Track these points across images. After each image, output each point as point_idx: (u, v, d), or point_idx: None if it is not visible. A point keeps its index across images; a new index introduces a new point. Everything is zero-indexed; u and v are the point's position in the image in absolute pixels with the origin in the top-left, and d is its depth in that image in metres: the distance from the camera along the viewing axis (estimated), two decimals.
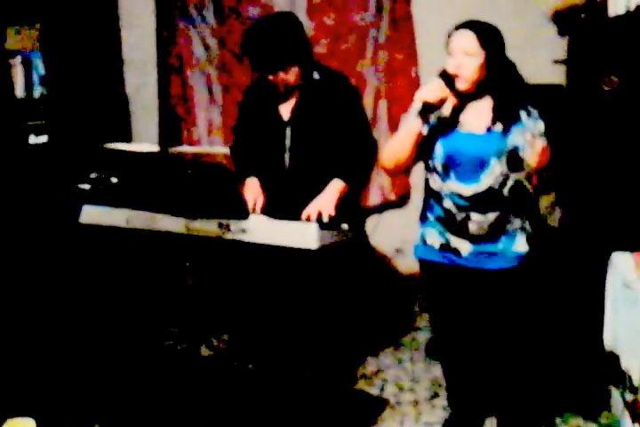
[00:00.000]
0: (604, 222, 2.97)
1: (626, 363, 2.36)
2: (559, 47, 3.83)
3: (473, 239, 2.27)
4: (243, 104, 2.90)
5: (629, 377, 2.33)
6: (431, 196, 2.33)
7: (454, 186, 2.23)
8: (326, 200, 2.57)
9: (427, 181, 2.35)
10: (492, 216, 2.23)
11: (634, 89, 2.92)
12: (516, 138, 2.16)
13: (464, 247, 2.28)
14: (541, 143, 2.09)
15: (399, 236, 4.35)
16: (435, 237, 2.34)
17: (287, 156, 2.68)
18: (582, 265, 2.87)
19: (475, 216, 2.23)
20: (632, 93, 2.94)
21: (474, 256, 2.28)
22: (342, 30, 4.20)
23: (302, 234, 2.36)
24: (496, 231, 2.25)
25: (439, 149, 2.24)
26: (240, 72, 4.32)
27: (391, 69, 4.23)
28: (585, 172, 3.04)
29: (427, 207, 2.37)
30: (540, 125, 2.22)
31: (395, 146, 2.26)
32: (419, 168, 4.16)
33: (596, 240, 2.92)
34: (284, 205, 2.63)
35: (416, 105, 2.17)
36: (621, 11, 3.05)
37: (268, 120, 2.72)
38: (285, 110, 2.70)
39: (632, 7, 2.99)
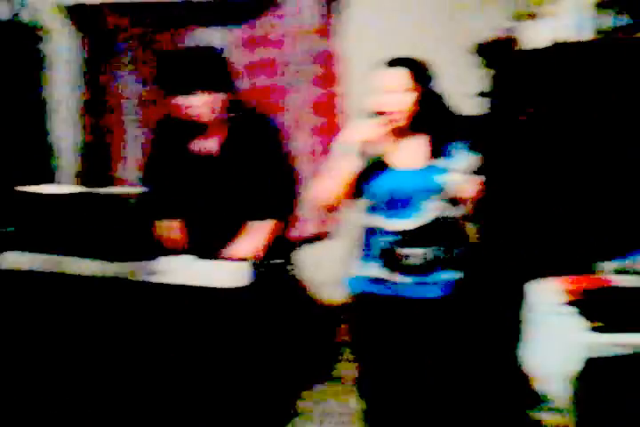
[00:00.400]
0: (523, 248, 3.03)
1: (544, 386, 2.36)
2: (482, 80, 3.93)
3: (411, 271, 2.26)
4: (156, 138, 2.81)
5: (551, 400, 2.33)
6: (370, 232, 2.31)
7: (392, 222, 2.22)
8: (255, 239, 2.55)
9: (363, 217, 2.33)
10: (430, 249, 2.23)
11: (550, 121, 3.03)
12: (452, 173, 2.17)
13: (402, 280, 2.27)
14: (477, 178, 2.11)
15: (328, 268, 4.33)
16: (372, 270, 2.31)
17: (209, 192, 2.62)
18: (504, 291, 2.89)
19: (413, 251, 2.22)
20: (548, 125, 3.04)
21: (411, 287, 2.27)
22: (272, 66, 4.21)
23: (231, 272, 2.33)
24: (433, 262, 2.26)
25: (375, 187, 2.23)
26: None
27: (321, 105, 4.25)
28: (504, 199, 3.10)
29: (364, 242, 2.35)
30: (474, 159, 2.24)
31: (330, 185, 2.24)
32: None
33: (514, 267, 2.97)
34: (208, 244, 2.57)
35: (351, 145, 2.17)
36: (539, 45, 3.17)
37: (188, 156, 2.65)
38: (207, 145, 2.64)
39: (548, 43, 3.11)
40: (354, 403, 3.20)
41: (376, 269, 2.30)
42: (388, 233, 2.23)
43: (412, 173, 2.21)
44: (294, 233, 4.24)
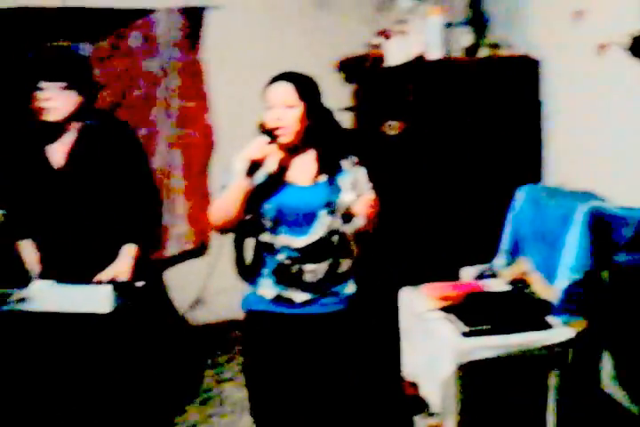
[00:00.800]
0: (393, 257, 3.14)
1: (425, 391, 2.45)
2: (345, 95, 4.05)
3: (307, 288, 2.25)
4: (4, 148, 2.60)
5: (429, 404, 2.42)
6: (263, 249, 2.28)
7: (286, 239, 2.21)
8: (120, 267, 2.47)
9: (257, 235, 2.29)
10: (324, 264, 2.24)
11: (416, 133, 3.16)
12: (343, 188, 2.20)
13: (299, 296, 2.26)
14: (369, 195, 2.14)
15: (199, 285, 4.28)
16: (268, 289, 2.28)
17: (62, 210, 2.48)
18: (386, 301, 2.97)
19: (308, 267, 2.22)
20: (414, 137, 3.17)
21: (307, 303, 2.27)
22: (132, 77, 4.10)
23: (94, 298, 2.23)
24: (330, 277, 2.26)
25: (268, 204, 2.21)
26: None
27: (184, 117, 4.19)
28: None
29: (259, 261, 2.32)
30: (363, 172, 2.28)
31: (223, 205, 2.19)
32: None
33: (389, 276, 3.07)
34: (66, 266, 2.45)
35: (242, 164, 2.13)
36: (398, 61, 3.31)
37: (37, 168, 2.49)
38: (58, 159, 2.49)
39: (407, 59, 3.26)
40: (222, 423, 3.21)
41: (271, 287, 2.28)
42: (281, 250, 2.22)
43: (304, 188, 2.22)
44: (167, 251, 4.22)
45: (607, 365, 2.65)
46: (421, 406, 2.70)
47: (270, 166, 2.19)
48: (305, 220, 2.20)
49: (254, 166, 2.13)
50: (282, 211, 2.20)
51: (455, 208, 3.21)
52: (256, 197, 2.20)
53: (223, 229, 2.28)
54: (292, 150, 2.23)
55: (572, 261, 2.19)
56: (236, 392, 3.52)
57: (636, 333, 2.44)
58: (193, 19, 4.11)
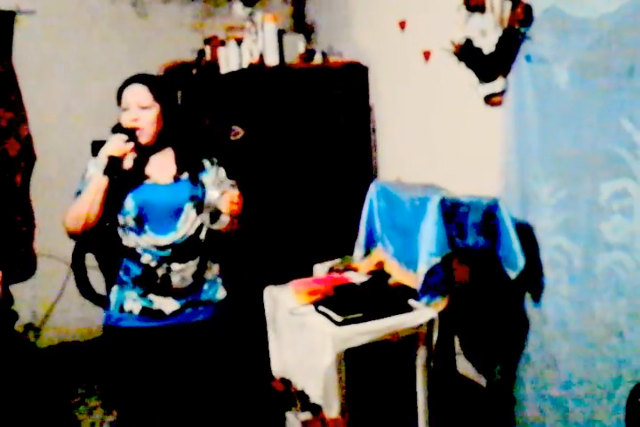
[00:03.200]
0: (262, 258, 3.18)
1: (301, 384, 2.51)
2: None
3: (177, 295, 2.21)
4: None
5: (306, 397, 2.48)
6: (125, 255, 2.20)
7: (151, 239, 2.16)
8: None
9: (117, 241, 2.21)
10: (192, 264, 2.22)
11: (257, 137, 3.23)
12: (208, 185, 2.21)
13: (168, 306, 2.21)
14: (234, 192, 2.14)
15: (29, 309, 3.99)
16: (134, 302, 2.21)
17: None
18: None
19: (176, 266, 2.18)
20: (256, 141, 3.24)
21: (179, 313, 2.22)
22: None
23: None
24: (198, 281, 2.24)
25: (129, 204, 2.15)
26: None
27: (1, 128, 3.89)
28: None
29: (120, 270, 2.23)
30: (222, 172, 2.30)
31: (81, 207, 2.09)
32: (44, 233, 3.93)
33: (252, 277, 3.10)
34: None
35: (101, 162, 2.07)
36: (234, 68, 3.35)
37: None
38: None
39: (243, 65, 3.32)
40: None
41: (136, 300, 2.21)
42: (146, 251, 2.17)
43: (166, 186, 2.19)
44: None
45: (457, 342, 2.92)
46: (293, 401, 2.76)
47: (127, 164, 2.15)
48: (170, 217, 2.18)
49: (113, 164, 2.09)
50: (144, 209, 2.16)
51: (302, 208, 3.33)
52: (115, 197, 2.15)
53: (80, 235, 2.17)
54: (150, 150, 2.21)
55: (429, 247, 2.38)
56: (87, 416, 3.35)
57: (479, 308, 2.72)
58: (1, 23, 3.83)
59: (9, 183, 3.88)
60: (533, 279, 2.51)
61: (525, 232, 2.49)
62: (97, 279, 3.53)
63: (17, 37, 3.86)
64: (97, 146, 2.14)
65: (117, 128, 2.14)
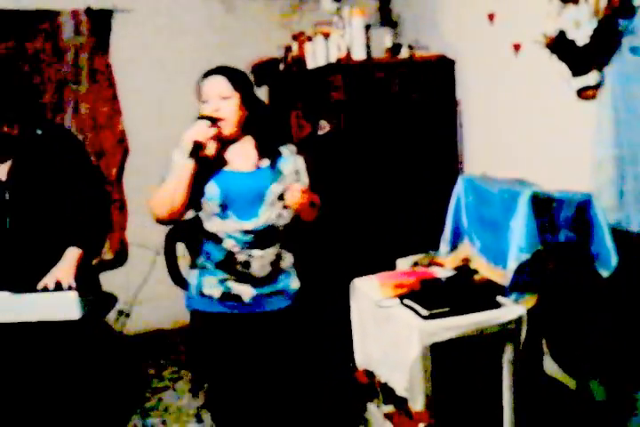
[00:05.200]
0: (344, 251, 3.21)
1: (385, 377, 2.53)
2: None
3: (255, 283, 2.28)
4: None
5: (390, 389, 2.50)
6: (208, 240, 2.28)
7: (235, 224, 2.23)
8: (64, 269, 2.37)
9: (200, 226, 2.29)
10: (271, 251, 2.28)
11: (344, 131, 3.26)
12: (285, 173, 2.27)
13: (246, 292, 2.28)
14: (298, 186, 2.19)
15: (122, 297, 4.15)
16: (214, 287, 2.29)
17: (8, 219, 2.39)
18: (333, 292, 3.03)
19: (256, 252, 2.24)
20: (343, 135, 3.26)
21: (256, 300, 2.29)
22: (38, 82, 3.91)
23: (61, 305, 2.15)
24: (275, 270, 2.30)
25: (214, 190, 2.22)
26: None
27: (96, 123, 4.06)
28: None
29: (202, 255, 2.32)
30: (302, 161, 2.36)
31: (168, 193, 2.18)
32: (136, 223, 4.09)
33: (337, 269, 3.14)
34: (12, 274, 2.34)
35: (185, 146, 2.15)
36: (321, 63, 3.39)
37: None
38: (2, 169, 2.41)
39: (330, 60, 3.35)
40: None
41: (216, 286, 2.29)
42: (229, 236, 2.24)
43: (247, 173, 2.26)
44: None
45: (544, 341, 2.86)
46: (375, 393, 2.78)
47: (209, 151, 2.23)
48: (252, 203, 2.24)
49: (197, 148, 2.16)
50: (228, 195, 2.23)
51: (387, 202, 3.34)
52: (199, 183, 2.21)
53: (167, 220, 2.27)
54: (233, 137, 2.28)
55: (520, 243, 2.35)
56: (174, 401, 3.47)
57: (572, 308, 2.66)
58: (100, 21, 4.00)
59: (105, 175, 4.05)
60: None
61: (621, 231, 2.41)
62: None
63: (114, 34, 4.02)
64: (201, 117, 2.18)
65: (201, 117, 2.20)
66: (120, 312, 4.18)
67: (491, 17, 3.16)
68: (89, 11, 3.93)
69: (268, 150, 2.29)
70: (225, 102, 2.21)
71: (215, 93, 2.21)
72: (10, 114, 2.32)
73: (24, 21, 3.79)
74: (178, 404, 3.43)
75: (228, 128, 2.22)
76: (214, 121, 2.17)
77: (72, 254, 2.43)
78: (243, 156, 2.29)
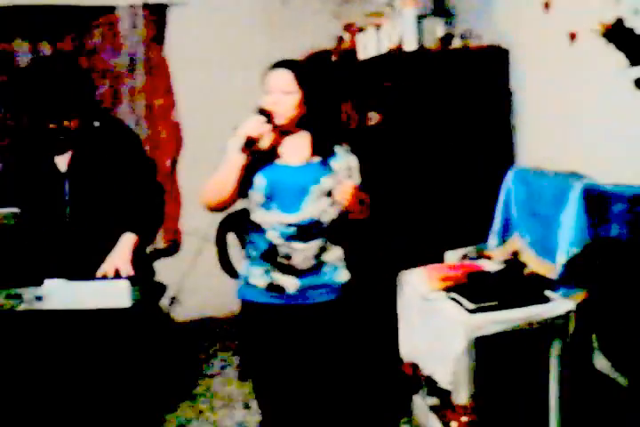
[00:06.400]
0: (392, 243, 3.20)
1: (430, 369, 2.52)
2: None
3: (299, 274, 2.29)
4: (11, 155, 2.59)
5: (434, 382, 2.49)
6: (253, 230, 2.32)
7: (278, 216, 2.25)
8: (121, 256, 2.43)
9: (247, 216, 2.33)
10: (314, 245, 2.28)
11: (395, 122, 3.24)
12: (332, 171, 2.27)
13: (291, 284, 2.30)
14: (349, 182, 2.19)
15: (173, 284, 4.24)
16: (259, 277, 2.32)
17: (68, 209, 2.46)
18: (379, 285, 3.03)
19: (298, 245, 2.26)
20: (394, 126, 3.24)
21: (300, 292, 2.30)
22: (95, 75, 4.03)
23: (112, 293, 2.20)
24: (320, 262, 2.31)
25: (261, 181, 2.25)
26: None
27: (151, 115, 4.15)
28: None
29: (248, 244, 2.36)
30: (355, 160, 2.35)
31: (218, 183, 2.23)
32: (189, 212, 4.17)
33: (384, 261, 3.13)
34: (71, 263, 2.40)
35: (238, 140, 2.18)
36: (373, 54, 3.37)
37: (44, 172, 2.48)
38: (62, 161, 2.48)
39: (382, 51, 3.33)
40: (218, 420, 3.21)
41: (261, 276, 2.31)
42: (272, 228, 2.26)
43: (297, 167, 2.28)
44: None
45: (595, 338, 2.79)
46: (420, 385, 2.78)
47: (263, 145, 2.25)
48: (297, 197, 2.25)
49: (250, 143, 2.18)
50: (274, 188, 2.25)
51: (435, 194, 3.30)
52: (248, 175, 2.24)
53: (216, 209, 2.32)
54: (288, 132, 2.29)
55: (570, 237, 2.30)
56: (222, 387, 3.54)
57: (625, 303, 2.59)
58: (156, 15, 4.09)
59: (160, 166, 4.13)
60: None
61: None
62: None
63: (169, 28, 4.10)
64: (258, 111, 2.21)
65: (259, 110, 2.22)
66: (172, 300, 4.27)
67: (546, 5, 3.08)
68: (146, 5, 4.02)
69: (323, 149, 2.30)
70: (286, 97, 2.21)
71: (278, 86, 2.22)
72: (70, 109, 2.38)
73: (83, 16, 3.90)
74: (226, 390, 3.50)
75: (284, 121, 2.24)
76: (269, 117, 2.19)
77: (128, 240, 2.47)
78: (296, 149, 2.30)
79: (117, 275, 2.35)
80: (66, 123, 2.38)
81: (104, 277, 2.33)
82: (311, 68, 2.32)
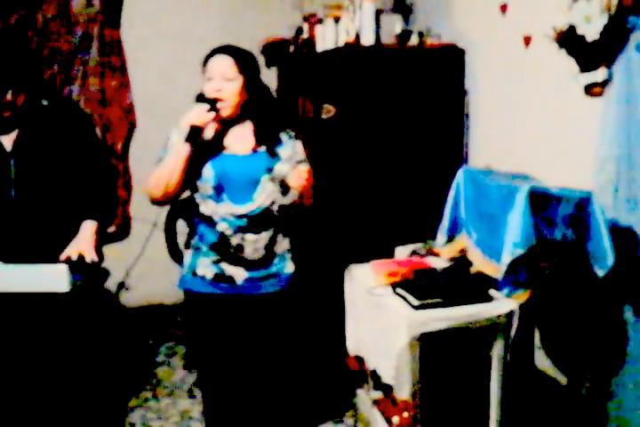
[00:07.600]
0: (342, 236, 3.22)
1: (374, 364, 2.55)
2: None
3: (248, 265, 2.29)
4: None
5: (378, 376, 2.53)
6: (202, 222, 2.30)
7: (228, 207, 2.24)
8: (87, 241, 2.39)
9: (195, 207, 2.31)
10: (265, 235, 2.29)
11: (350, 115, 3.24)
12: (280, 159, 2.26)
13: (239, 275, 2.30)
14: (303, 167, 2.20)
15: (122, 270, 4.19)
16: (207, 268, 2.31)
17: (13, 191, 2.39)
18: (326, 278, 3.06)
19: (249, 237, 2.26)
20: (347, 120, 3.26)
21: (249, 282, 2.31)
22: (46, 54, 3.92)
23: (50, 277, 2.15)
24: (269, 253, 2.31)
25: (209, 172, 2.23)
26: None
27: (104, 96, 4.06)
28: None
29: (197, 236, 2.34)
30: (299, 145, 2.36)
31: (162, 174, 2.20)
32: (138, 198, 4.11)
33: (334, 254, 3.15)
34: (16, 245, 2.35)
35: (182, 130, 2.16)
36: (330, 46, 3.36)
37: None
38: (8, 140, 2.40)
39: (339, 44, 3.33)
40: (161, 407, 3.20)
41: (210, 267, 2.31)
42: (223, 219, 2.25)
43: (244, 157, 2.26)
44: None
45: (536, 337, 2.87)
46: (365, 380, 2.81)
47: (207, 134, 2.23)
48: (247, 187, 2.25)
49: (194, 132, 2.16)
50: (223, 179, 2.24)
51: (388, 190, 3.33)
52: (195, 165, 2.23)
53: (161, 201, 2.29)
54: (230, 122, 2.28)
55: (515, 238, 2.35)
56: (167, 375, 3.52)
57: (566, 304, 2.67)
58: None
59: (111, 149, 4.06)
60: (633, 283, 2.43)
61: (623, 231, 2.41)
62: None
63: (125, 8, 4.01)
64: (200, 98, 2.19)
65: (200, 98, 2.20)
66: (121, 285, 4.21)
67: (503, 8, 3.13)
68: None
69: (265, 138, 2.29)
70: (228, 84, 2.20)
71: (219, 73, 2.20)
72: (14, 82, 2.30)
73: None
74: (171, 379, 3.48)
75: (227, 110, 2.22)
76: (213, 105, 2.17)
77: (90, 227, 2.44)
78: (241, 139, 2.29)
79: (81, 260, 2.32)
80: (10, 97, 2.30)
81: (70, 261, 2.29)
82: (251, 54, 2.29)
